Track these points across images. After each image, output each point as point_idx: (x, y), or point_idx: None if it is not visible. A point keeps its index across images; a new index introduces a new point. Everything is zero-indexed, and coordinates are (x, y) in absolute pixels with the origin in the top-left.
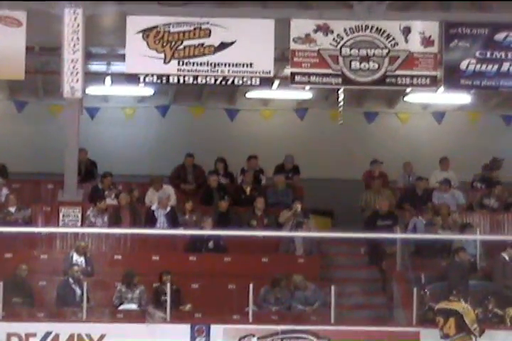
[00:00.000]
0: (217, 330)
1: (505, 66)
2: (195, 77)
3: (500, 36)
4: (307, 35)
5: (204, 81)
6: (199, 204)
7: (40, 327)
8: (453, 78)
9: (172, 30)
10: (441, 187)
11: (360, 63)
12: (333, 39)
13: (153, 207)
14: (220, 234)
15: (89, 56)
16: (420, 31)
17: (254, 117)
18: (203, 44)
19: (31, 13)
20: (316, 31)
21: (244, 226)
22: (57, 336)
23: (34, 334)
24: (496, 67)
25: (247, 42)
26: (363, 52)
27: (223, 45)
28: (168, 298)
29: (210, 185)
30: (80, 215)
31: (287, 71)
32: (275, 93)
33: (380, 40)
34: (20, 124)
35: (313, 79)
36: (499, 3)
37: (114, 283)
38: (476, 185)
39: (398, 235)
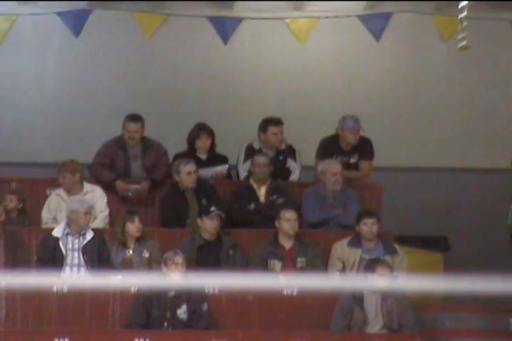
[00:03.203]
0: None
1: None
2: None
3: None
4: None
5: None
6: (156, 223)
7: None
8: None
9: None
10: None
11: None
12: None
13: (57, 232)
14: (202, 288)
15: None
16: None
17: (273, 35)
18: None
19: None
20: None
21: (255, 272)
22: None
23: None
24: None
25: None
26: None
27: None
28: None
29: (179, 183)
30: None
31: None
32: None
33: None
34: None
35: None
36: None
37: None
38: None
39: None
